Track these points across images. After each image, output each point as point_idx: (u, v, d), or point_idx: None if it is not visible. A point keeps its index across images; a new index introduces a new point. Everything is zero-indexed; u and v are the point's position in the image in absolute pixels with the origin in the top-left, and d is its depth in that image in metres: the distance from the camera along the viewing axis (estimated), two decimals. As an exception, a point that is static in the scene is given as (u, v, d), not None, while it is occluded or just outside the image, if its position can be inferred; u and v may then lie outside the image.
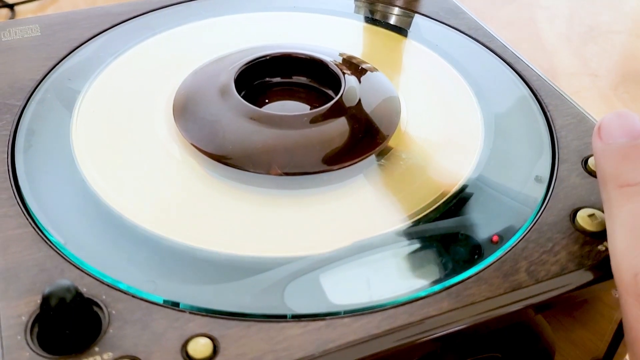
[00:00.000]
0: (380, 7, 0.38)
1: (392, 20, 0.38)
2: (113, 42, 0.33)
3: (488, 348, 0.24)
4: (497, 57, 0.34)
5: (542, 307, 0.23)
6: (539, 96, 0.31)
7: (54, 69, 0.31)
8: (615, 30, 0.60)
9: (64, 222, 0.24)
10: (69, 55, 0.32)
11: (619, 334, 0.27)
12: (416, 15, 0.38)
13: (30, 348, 0.20)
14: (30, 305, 0.21)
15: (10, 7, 0.53)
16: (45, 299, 0.19)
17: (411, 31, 0.36)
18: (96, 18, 0.35)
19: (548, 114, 0.30)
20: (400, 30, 0.37)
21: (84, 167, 0.26)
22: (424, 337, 0.21)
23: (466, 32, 0.36)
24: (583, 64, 0.55)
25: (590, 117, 0.30)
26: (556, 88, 0.31)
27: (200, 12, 0.36)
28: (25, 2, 0.54)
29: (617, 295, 0.21)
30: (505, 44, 0.35)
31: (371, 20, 0.38)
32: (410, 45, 0.35)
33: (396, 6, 0.38)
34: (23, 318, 0.20)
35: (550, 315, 0.26)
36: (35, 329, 0.20)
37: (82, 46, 0.33)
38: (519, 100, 0.31)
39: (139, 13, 0.36)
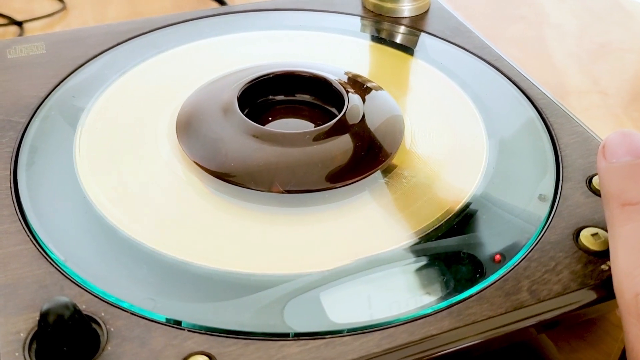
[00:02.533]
0: (386, 25, 0.38)
1: (398, 39, 0.38)
2: (117, 60, 0.33)
3: (490, 368, 0.24)
4: (502, 75, 0.34)
5: (545, 326, 0.22)
6: (544, 115, 0.31)
7: (59, 86, 0.31)
8: (626, 48, 0.59)
9: (65, 238, 0.24)
10: (74, 73, 0.32)
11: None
12: (422, 33, 0.38)
13: (28, 365, 0.20)
14: (29, 322, 0.21)
15: (19, 24, 0.54)
16: (43, 316, 0.19)
17: (417, 50, 0.36)
18: (101, 36, 0.35)
19: (553, 132, 0.30)
20: (407, 49, 0.37)
21: (86, 184, 0.26)
22: (424, 356, 0.21)
23: (472, 51, 0.36)
24: (593, 82, 0.55)
25: (595, 136, 0.30)
26: (561, 107, 0.31)
27: (205, 31, 0.37)
28: (34, 20, 0.54)
29: (620, 315, 0.21)
30: (511, 63, 0.35)
31: (377, 38, 0.38)
32: (416, 64, 0.35)
33: (402, 25, 0.38)
34: (22, 335, 0.20)
35: (556, 334, 0.25)
36: (34, 346, 0.20)
37: (87, 64, 0.33)
38: (524, 118, 0.31)
39: (144, 31, 0.36)
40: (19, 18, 0.55)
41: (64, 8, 0.57)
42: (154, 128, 0.29)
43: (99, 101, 0.30)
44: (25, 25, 0.55)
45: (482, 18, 0.61)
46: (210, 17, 0.38)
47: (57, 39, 0.34)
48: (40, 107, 0.30)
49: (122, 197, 0.26)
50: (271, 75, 0.30)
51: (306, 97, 0.31)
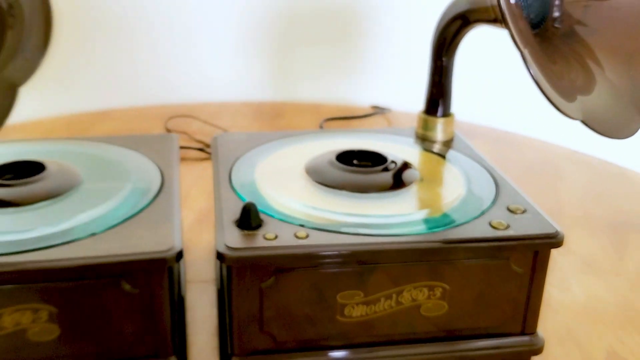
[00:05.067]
0: (428, 144, 0.67)
1: (435, 149, 0.66)
2: (269, 151, 0.63)
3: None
4: (492, 177, 0.60)
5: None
6: (498, 188, 0.57)
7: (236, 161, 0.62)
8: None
9: (250, 196, 0.53)
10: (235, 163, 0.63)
11: None
12: (450, 150, 0.66)
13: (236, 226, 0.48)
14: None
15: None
16: (244, 206, 0.48)
17: (447, 157, 0.65)
18: (275, 138, 0.66)
19: (498, 190, 0.56)
20: (440, 155, 0.65)
21: (260, 185, 0.55)
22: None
23: (478, 161, 0.64)
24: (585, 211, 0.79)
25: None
26: (513, 187, 0.58)
27: (326, 136, 0.67)
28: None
29: None
30: (494, 167, 0.62)
31: (424, 149, 0.66)
32: (445, 164, 0.63)
33: (438, 143, 0.67)
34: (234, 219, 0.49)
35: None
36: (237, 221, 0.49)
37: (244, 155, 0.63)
38: (489, 185, 0.57)
39: (292, 135, 0.67)
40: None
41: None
42: (297, 173, 0.58)
43: (268, 160, 0.61)
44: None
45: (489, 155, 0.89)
46: (348, 133, 0.69)
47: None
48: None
49: (278, 194, 0.55)
50: (355, 151, 0.60)
51: (369, 164, 0.60)
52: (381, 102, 1.16)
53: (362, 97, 1.18)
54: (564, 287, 0.65)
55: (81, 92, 1.11)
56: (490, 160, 0.62)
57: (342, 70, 1.19)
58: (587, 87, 0.52)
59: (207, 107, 1.10)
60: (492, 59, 1.07)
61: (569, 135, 1.02)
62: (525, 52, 0.45)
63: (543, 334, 0.54)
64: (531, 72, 0.45)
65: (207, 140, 0.92)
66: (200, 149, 0.92)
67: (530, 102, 0.95)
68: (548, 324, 0.59)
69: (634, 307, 0.62)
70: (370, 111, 1.12)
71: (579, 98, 0.49)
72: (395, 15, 1.13)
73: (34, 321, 0.46)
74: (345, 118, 1.08)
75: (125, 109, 1.12)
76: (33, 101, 0.98)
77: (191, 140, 0.95)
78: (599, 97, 0.51)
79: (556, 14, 0.61)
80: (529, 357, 0.54)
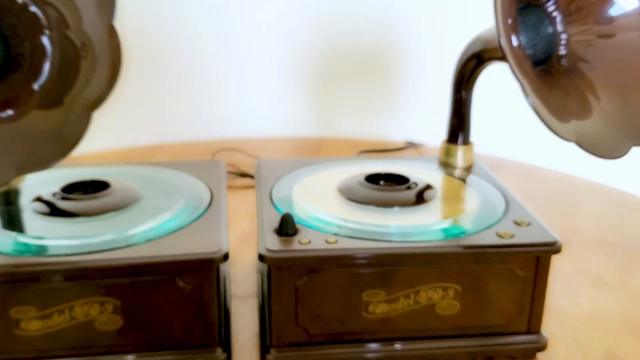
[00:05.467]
0: (450, 170, 0.75)
1: (456, 175, 0.73)
2: (306, 174, 0.71)
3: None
4: (504, 197, 0.67)
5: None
6: (508, 204, 0.64)
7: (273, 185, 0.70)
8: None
9: (287, 210, 0.61)
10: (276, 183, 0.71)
11: None
12: (469, 174, 0.73)
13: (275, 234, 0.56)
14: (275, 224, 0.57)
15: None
16: (283, 215, 0.56)
17: (467, 181, 0.72)
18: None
19: (508, 206, 0.63)
20: (461, 180, 0.72)
21: (297, 201, 0.63)
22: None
23: (493, 184, 0.71)
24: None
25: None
26: (520, 204, 0.65)
27: (357, 162, 0.75)
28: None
29: None
30: (505, 188, 0.69)
31: (446, 174, 0.74)
32: (465, 186, 0.71)
33: (459, 169, 0.74)
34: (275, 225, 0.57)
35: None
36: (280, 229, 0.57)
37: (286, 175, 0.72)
38: (500, 202, 0.64)
39: (317, 163, 0.75)
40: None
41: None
42: (328, 190, 0.66)
43: (303, 183, 0.69)
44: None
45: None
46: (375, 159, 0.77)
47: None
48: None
49: (312, 205, 0.62)
50: (382, 173, 0.68)
51: (394, 184, 0.67)
52: (415, 137, 1.23)
53: (397, 133, 1.26)
54: (573, 299, 0.71)
55: (136, 128, 1.21)
56: (506, 185, 0.68)
57: (378, 107, 1.27)
58: (583, 115, 0.59)
59: (252, 142, 1.19)
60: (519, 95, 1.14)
61: (592, 168, 1.08)
62: (524, 82, 0.52)
63: (549, 336, 0.60)
64: (528, 100, 0.52)
65: (251, 171, 1.00)
66: (242, 174, 1.00)
67: (555, 138, 1.02)
68: (555, 329, 0.65)
69: (633, 317, 0.68)
70: (404, 146, 1.20)
71: (575, 123, 0.56)
72: (426, 57, 1.21)
73: (101, 312, 0.54)
74: (379, 151, 1.16)
75: (177, 143, 1.22)
76: (93, 136, 1.08)
77: (236, 170, 1.03)
78: (593, 124, 0.58)
79: (563, 52, 0.68)
80: (535, 354, 0.60)
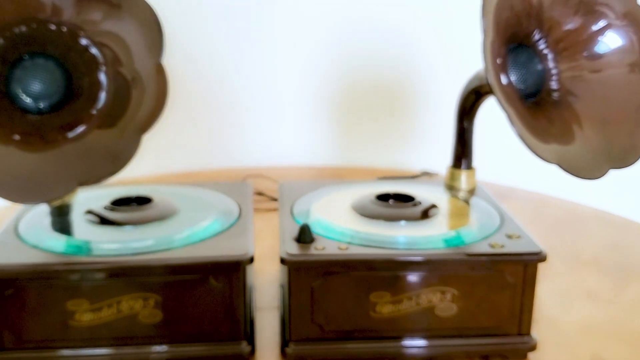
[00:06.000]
0: (455, 192, 0.83)
1: (460, 196, 0.82)
2: (324, 193, 0.80)
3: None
4: (500, 215, 0.75)
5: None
6: (504, 222, 0.72)
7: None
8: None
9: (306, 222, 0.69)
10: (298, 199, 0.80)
11: None
12: (472, 196, 0.82)
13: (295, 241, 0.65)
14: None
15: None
16: (301, 226, 0.65)
17: (470, 202, 0.80)
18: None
19: (502, 223, 0.71)
20: (465, 201, 0.80)
21: (315, 215, 0.72)
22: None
23: (491, 204, 0.79)
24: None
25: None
26: (512, 221, 0.73)
27: (369, 185, 0.83)
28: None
29: None
30: (511, 215, 0.77)
31: (451, 195, 0.82)
32: (468, 206, 0.79)
33: (463, 191, 0.83)
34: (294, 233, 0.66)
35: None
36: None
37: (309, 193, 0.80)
38: (495, 219, 0.72)
39: (335, 184, 0.83)
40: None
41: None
42: (343, 206, 0.75)
43: (322, 199, 0.77)
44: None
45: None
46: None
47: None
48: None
49: (328, 218, 0.71)
50: (391, 193, 0.76)
51: (404, 200, 0.76)
52: (432, 167, 1.32)
53: (415, 163, 1.35)
54: (566, 310, 0.78)
55: (173, 155, 1.31)
56: (509, 210, 0.76)
57: (397, 139, 1.36)
58: (566, 141, 0.67)
59: (277, 170, 1.29)
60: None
61: (597, 197, 1.16)
62: (510, 111, 0.61)
63: (541, 340, 0.68)
64: (513, 128, 0.61)
65: (276, 195, 1.09)
66: (265, 196, 1.09)
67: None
68: (547, 334, 0.72)
69: (622, 327, 0.75)
70: (419, 174, 1.28)
71: (557, 147, 0.65)
72: (441, 92, 1.30)
73: (144, 307, 0.63)
74: (395, 178, 1.25)
75: (209, 170, 1.32)
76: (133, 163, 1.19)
77: (263, 194, 1.12)
78: (575, 149, 0.66)
79: (554, 86, 0.76)
80: (525, 354, 0.67)
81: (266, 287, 0.82)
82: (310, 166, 1.35)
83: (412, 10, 1.29)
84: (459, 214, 0.75)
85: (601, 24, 0.76)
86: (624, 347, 0.71)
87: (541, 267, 0.65)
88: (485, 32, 0.61)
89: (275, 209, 1.06)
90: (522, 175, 1.25)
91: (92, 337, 0.63)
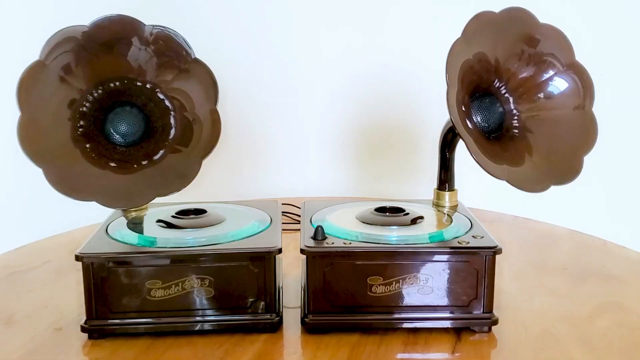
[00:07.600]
0: (439, 207, 1.05)
1: (442, 210, 1.04)
2: (337, 208, 1.03)
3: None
4: (471, 223, 0.97)
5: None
6: (472, 226, 0.94)
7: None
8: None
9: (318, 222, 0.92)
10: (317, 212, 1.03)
11: None
12: (455, 212, 1.04)
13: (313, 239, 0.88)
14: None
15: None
16: (316, 226, 0.88)
17: (453, 216, 1.02)
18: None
19: (471, 227, 0.93)
20: (448, 215, 1.03)
21: (328, 222, 0.95)
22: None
23: (467, 217, 1.01)
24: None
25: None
26: (484, 232, 0.95)
27: (367, 205, 1.06)
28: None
29: None
30: (480, 224, 0.99)
31: (437, 211, 1.04)
32: (444, 216, 1.01)
33: (447, 207, 1.05)
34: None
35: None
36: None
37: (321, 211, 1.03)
38: (467, 225, 0.94)
39: (347, 202, 1.06)
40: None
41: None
42: (350, 217, 0.97)
43: (335, 212, 1.00)
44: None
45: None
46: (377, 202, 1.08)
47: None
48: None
49: (338, 224, 0.93)
50: (387, 207, 0.99)
51: (395, 213, 0.98)
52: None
53: (423, 193, 1.58)
54: (528, 301, 0.99)
55: (211, 189, 1.56)
56: (477, 218, 0.98)
57: (411, 172, 1.60)
58: (516, 163, 0.89)
59: (302, 200, 1.52)
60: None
61: (571, 219, 1.37)
62: (467, 138, 0.83)
63: (503, 321, 0.89)
64: (470, 150, 0.83)
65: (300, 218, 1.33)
66: (293, 217, 1.32)
67: (557, 194, 1.31)
68: (509, 317, 0.92)
69: (569, 311, 0.95)
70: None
71: (508, 168, 0.87)
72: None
73: (201, 285, 0.86)
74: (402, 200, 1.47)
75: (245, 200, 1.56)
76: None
77: (290, 217, 1.36)
78: (523, 170, 0.89)
79: (516, 124, 0.99)
80: (490, 328, 0.88)
81: (292, 285, 1.04)
82: (330, 197, 1.59)
83: (413, 66, 1.54)
84: (440, 223, 0.97)
85: (550, 72, 0.97)
86: (568, 326, 0.91)
87: (513, 270, 0.86)
88: (449, 84, 0.84)
89: (298, 229, 1.29)
90: (505, 201, 1.47)
91: (163, 309, 0.86)
